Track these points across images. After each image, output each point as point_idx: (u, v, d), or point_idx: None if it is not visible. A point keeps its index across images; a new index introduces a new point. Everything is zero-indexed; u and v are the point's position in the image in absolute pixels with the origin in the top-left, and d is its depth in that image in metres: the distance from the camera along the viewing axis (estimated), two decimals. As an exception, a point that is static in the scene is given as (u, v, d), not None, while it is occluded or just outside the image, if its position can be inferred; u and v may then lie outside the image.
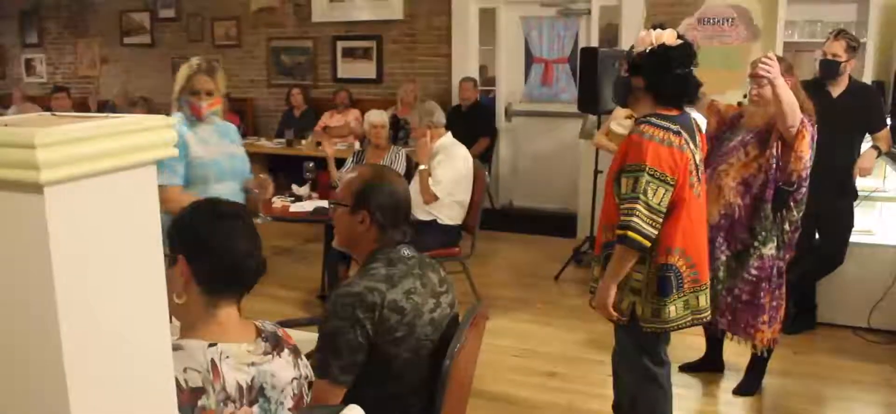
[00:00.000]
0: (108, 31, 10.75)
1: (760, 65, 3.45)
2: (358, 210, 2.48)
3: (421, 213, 5.05)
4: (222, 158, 3.68)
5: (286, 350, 1.97)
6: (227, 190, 3.57)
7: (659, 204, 2.88)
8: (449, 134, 5.33)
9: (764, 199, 3.70)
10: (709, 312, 3.19)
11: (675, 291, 3.03)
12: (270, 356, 1.90)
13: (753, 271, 3.78)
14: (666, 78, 2.97)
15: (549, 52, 8.54)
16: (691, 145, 3.00)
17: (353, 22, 9.18)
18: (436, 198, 5.07)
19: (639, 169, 2.88)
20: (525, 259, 6.80)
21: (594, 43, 7.87)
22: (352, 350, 2.30)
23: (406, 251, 2.51)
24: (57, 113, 1.36)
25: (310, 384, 2.07)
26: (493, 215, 7.63)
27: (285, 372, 1.93)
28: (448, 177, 5.11)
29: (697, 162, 3.04)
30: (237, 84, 9.92)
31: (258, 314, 2.55)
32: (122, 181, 1.25)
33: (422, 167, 5.13)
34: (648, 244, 2.90)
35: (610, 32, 8.11)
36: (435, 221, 5.12)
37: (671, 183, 2.89)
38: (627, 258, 2.96)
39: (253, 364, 1.85)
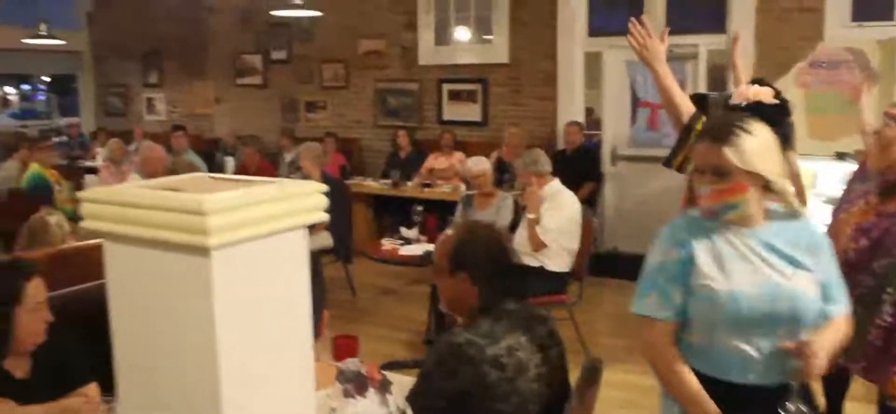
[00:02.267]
0: (222, 72, 11.21)
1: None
2: (456, 271, 2.49)
3: (528, 259, 5.08)
4: (762, 292, 2.18)
5: (371, 390, 1.99)
6: (766, 346, 2.20)
7: None
8: (556, 180, 5.35)
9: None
10: None
11: None
12: (353, 398, 1.94)
13: (888, 318, 3.65)
14: None
15: (654, 96, 8.45)
16: None
17: (458, 65, 9.32)
18: (544, 245, 5.09)
19: None
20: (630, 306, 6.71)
21: (701, 86, 7.77)
22: (437, 395, 2.32)
23: (511, 305, 2.49)
24: (214, 176, 1.46)
25: None
26: (597, 261, 7.57)
27: (372, 411, 1.96)
28: (556, 224, 5.13)
29: None
30: (344, 124, 10.18)
31: (364, 355, 2.63)
32: (277, 244, 1.33)
33: (530, 216, 5.16)
34: None
35: (717, 74, 8.00)
36: (542, 267, 5.13)
37: None
38: None
39: (333, 410, 1.90)
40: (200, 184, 1.36)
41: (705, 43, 7.95)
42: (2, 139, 11.45)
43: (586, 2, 8.55)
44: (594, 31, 8.54)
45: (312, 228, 1.40)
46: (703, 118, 2.90)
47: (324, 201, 1.38)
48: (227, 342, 1.28)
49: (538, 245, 5.10)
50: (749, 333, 2.20)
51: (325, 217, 1.38)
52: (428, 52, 9.47)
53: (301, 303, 1.42)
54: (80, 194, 1.36)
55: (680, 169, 2.94)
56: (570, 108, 8.62)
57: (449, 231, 2.64)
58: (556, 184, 5.34)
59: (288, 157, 9.32)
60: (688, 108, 2.89)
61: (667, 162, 2.97)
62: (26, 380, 2.58)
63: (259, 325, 1.34)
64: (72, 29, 12.34)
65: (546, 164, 5.36)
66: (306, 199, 1.35)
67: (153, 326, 1.33)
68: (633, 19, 3.01)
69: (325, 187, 1.39)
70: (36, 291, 2.54)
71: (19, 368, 2.58)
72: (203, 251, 1.22)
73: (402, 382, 2.41)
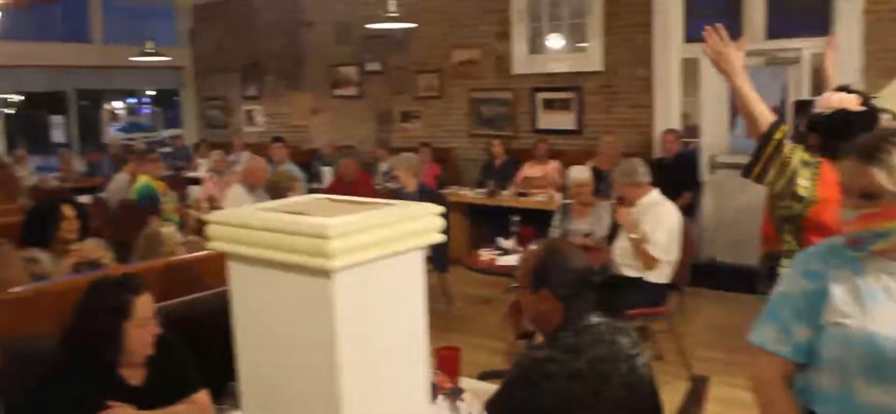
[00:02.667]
0: (319, 84, 11.43)
1: None
2: (539, 289, 2.47)
3: (627, 270, 5.01)
4: None
5: (440, 396, 2.02)
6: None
7: None
8: (656, 191, 5.26)
9: None
10: None
11: None
12: None
13: None
14: (840, 142, 2.84)
15: (755, 102, 8.26)
16: None
17: (552, 74, 9.27)
18: (656, 261, 5.00)
19: None
20: (730, 318, 6.56)
21: (804, 92, 7.54)
22: (517, 406, 2.33)
23: (594, 318, 2.46)
24: (331, 198, 1.49)
25: None
26: (695, 271, 7.41)
27: None
28: (664, 238, 5.04)
29: None
30: (438, 134, 10.25)
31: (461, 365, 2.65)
32: (396, 265, 1.37)
33: (633, 236, 5.09)
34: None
35: (820, 79, 7.74)
36: (641, 278, 5.05)
37: None
38: None
39: None
40: (322, 207, 1.40)
41: (809, 46, 7.70)
42: (111, 151, 11.96)
43: (682, 7, 8.40)
44: (690, 36, 8.39)
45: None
46: (784, 126, 2.81)
47: (440, 222, 1.40)
48: (348, 360, 1.31)
49: (649, 261, 5.01)
50: (891, 384, 1.89)
51: (442, 238, 1.40)
52: (521, 61, 9.46)
53: (418, 321, 1.44)
54: (207, 216, 1.42)
55: (759, 179, 2.85)
56: (667, 115, 8.47)
57: (532, 247, 2.64)
58: (655, 194, 5.24)
59: (383, 166, 9.44)
60: (766, 116, 2.80)
61: (746, 171, 2.88)
62: (141, 387, 2.70)
63: (378, 343, 1.37)
64: (174, 45, 12.82)
65: (645, 174, 5.26)
66: (424, 222, 1.38)
67: (276, 344, 1.37)
68: (707, 27, 2.94)
69: (441, 209, 1.42)
70: (144, 305, 2.65)
71: (134, 376, 2.70)
72: (326, 274, 1.25)
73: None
